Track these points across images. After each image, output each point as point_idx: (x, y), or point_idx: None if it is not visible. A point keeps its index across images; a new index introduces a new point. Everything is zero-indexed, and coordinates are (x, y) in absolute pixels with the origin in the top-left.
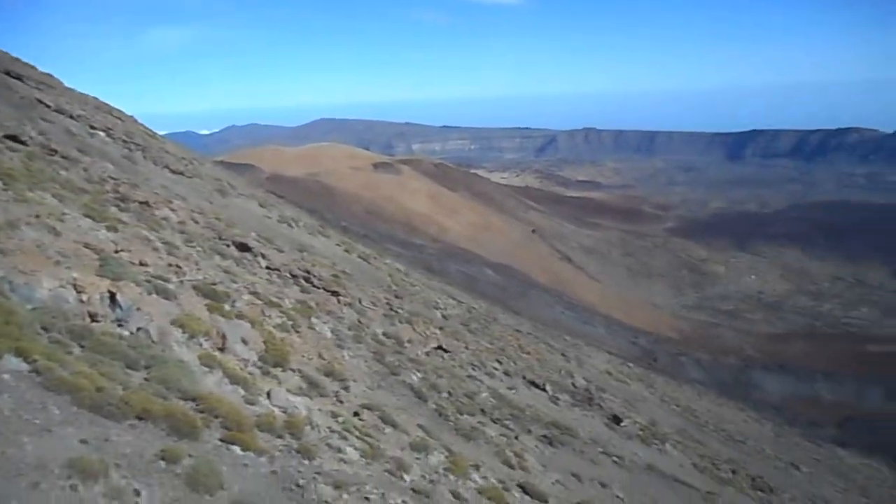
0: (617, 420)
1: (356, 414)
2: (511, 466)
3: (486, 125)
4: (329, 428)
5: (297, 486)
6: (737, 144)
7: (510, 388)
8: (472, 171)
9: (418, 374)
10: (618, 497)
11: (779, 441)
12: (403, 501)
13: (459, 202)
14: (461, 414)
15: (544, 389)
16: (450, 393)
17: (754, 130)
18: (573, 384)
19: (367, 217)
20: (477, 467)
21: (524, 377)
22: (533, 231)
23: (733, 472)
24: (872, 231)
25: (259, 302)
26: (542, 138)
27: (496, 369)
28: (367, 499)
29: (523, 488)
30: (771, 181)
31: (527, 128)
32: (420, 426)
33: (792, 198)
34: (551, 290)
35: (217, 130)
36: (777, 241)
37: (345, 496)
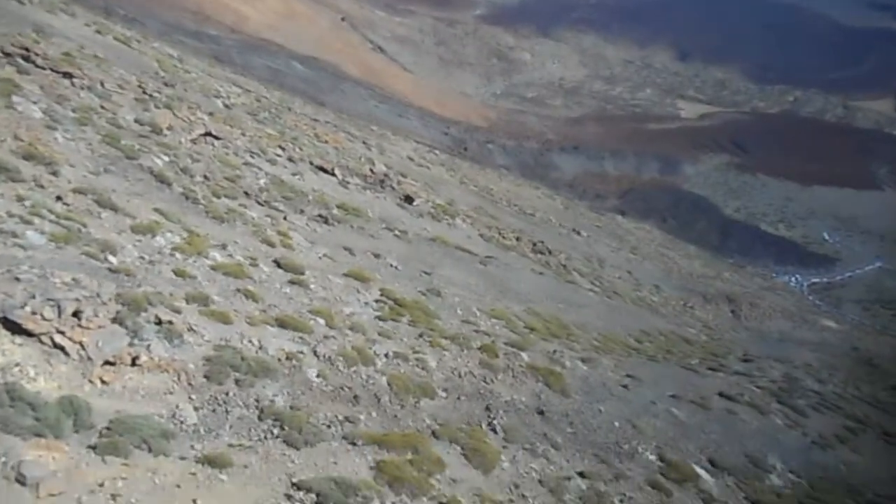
0: (409, 200)
1: (59, 198)
2: (271, 244)
3: None
4: (8, 212)
5: None
6: None
7: (294, 174)
8: None
9: (164, 159)
10: (391, 265)
11: (566, 212)
12: (98, 282)
13: None
14: (217, 197)
15: (333, 174)
16: (206, 177)
17: None
18: (371, 170)
19: (147, 3)
20: (224, 247)
21: (311, 163)
22: (342, 19)
23: (517, 238)
24: (662, 15)
25: None
26: None
27: (279, 156)
28: (17, 279)
29: (277, 263)
30: None
31: None
32: (157, 210)
33: None
34: (364, 83)
35: None
36: (578, 26)
37: None
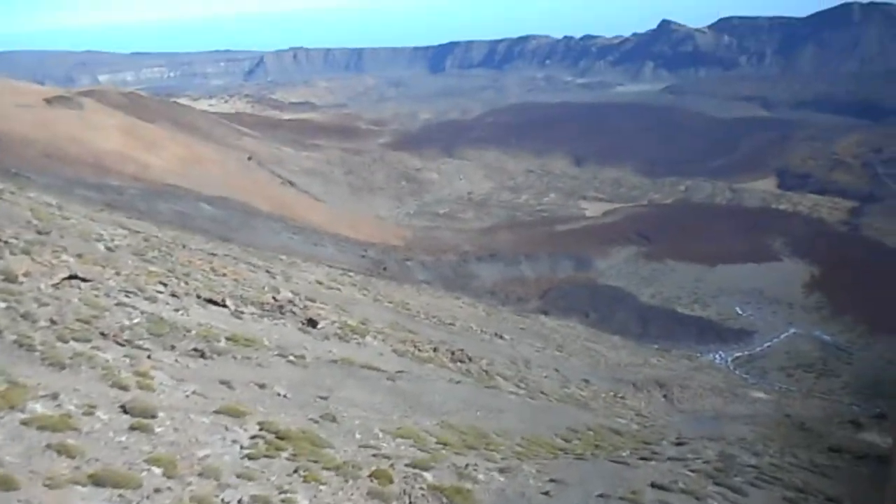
0: (313, 323)
1: None
2: (123, 388)
3: (185, 50)
4: None
5: None
6: (437, 57)
7: (177, 310)
8: (174, 100)
9: (1, 305)
10: (279, 394)
11: (489, 318)
12: None
13: (160, 135)
14: (64, 342)
15: (224, 305)
16: (53, 321)
17: (451, 42)
18: (274, 297)
19: (45, 162)
20: (55, 396)
21: (199, 296)
22: (249, 158)
23: (434, 349)
24: (553, 126)
25: None
26: (249, 61)
27: (160, 292)
28: None
29: (123, 408)
30: (469, 90)
31: (230, 50)
32: None
33: (487, 104)
34: (276, 217)
35: None
36: (479, 144)
37: None
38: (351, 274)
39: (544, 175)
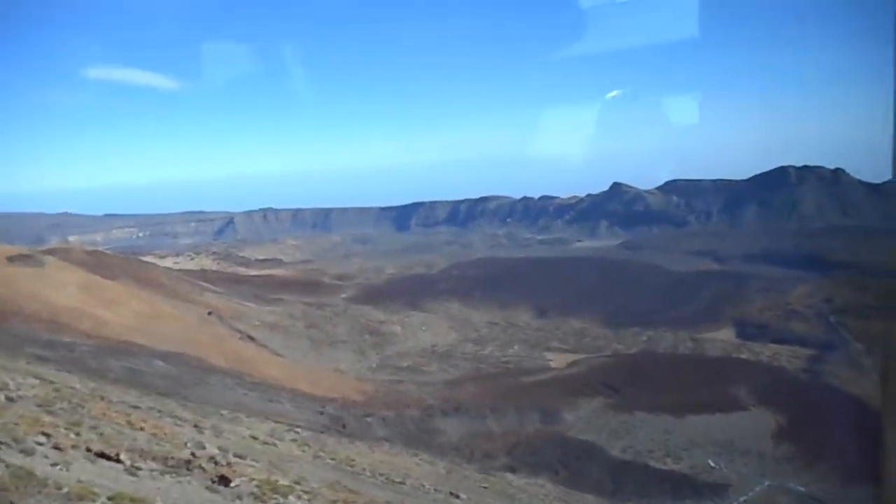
0: (225, 481)
1: None
2: None
3: (157, 211)
4: None
5: None
6: (402, 216)
7: (56, 464)
8: (139, 257)
9: None
10: None
11: (448, 476)
12: None
13: (121, 291)
14: None
15: (118, 460)
16: None
17: (416, 203)
18: (193, 453)
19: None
20: None
21: (89, 449)
22: (209, 314)
23: None
24: (516, 280)
25: None
26: (220, 221)
27: (40, 444)
28: None
29: None
30: (434, 246)
31: (202, 211)
32: None
33: (452, 259)
34: (232, 373)
35: None
36: (443, 297)
37: None
38: (298, 430)
39: (508, 327)
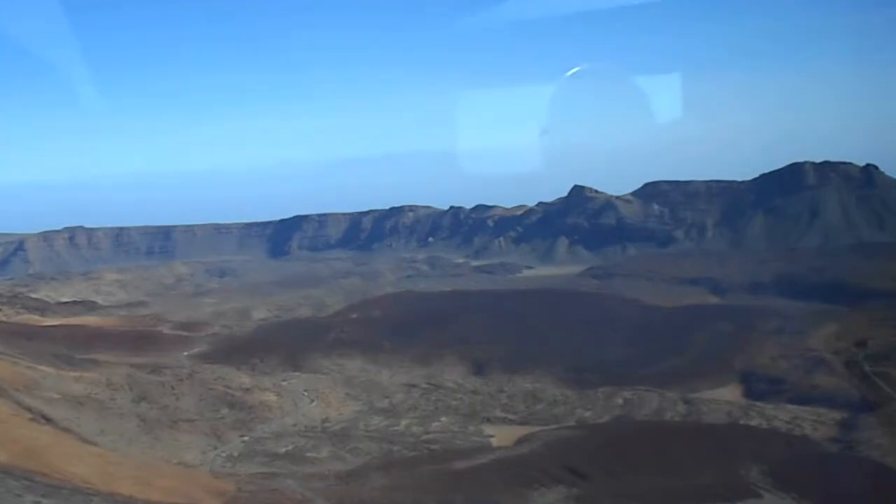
0: None
1: None
2: None
3: None
4: None
5: None
6: (279, 235)
7: None
8: None
9: None
10: None
11: None
12: None
13: None
14: None
15: None
16: None
17: (297, 216)
18: None
19: None
20: None
21: None
22: None
23: None
24: (442, 323)
25: None
26: (4, 246)
27: None
28: None
29: None
30: (323, 278)
31: None
32: None
33: (350, 295)
34: (16, 471)
35: None
36: (338, 350)
37: None
38: None
39: (432, 390)
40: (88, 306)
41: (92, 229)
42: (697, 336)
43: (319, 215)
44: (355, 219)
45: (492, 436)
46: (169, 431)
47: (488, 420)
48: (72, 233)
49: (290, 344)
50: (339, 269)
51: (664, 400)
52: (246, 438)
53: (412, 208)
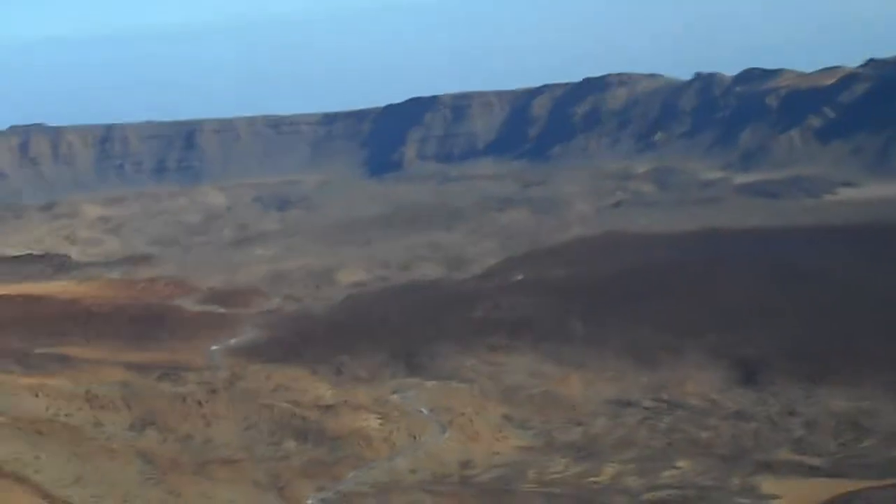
0: None
1: None
2: None
3: None
4: None
5: None
6: (384, 134)
7: None
8: None
9: None
10: None
11: None
12: None
13: None
14: None
15: None
16: None
17: (416, 100)
18: None
19: None
20: None
21: None
22: None
23: None
24: (679, 290)
25: None
26: None
27: None
28: None
29: None
30: (466, 209)
31: None
32: None
33: (512, 242)
34: None
35: None
36: (489, 339)
37: None
38: None
39: (663, 412)
40: (55, 264)
41: (59, 129)
42: None
43: (456, 96)
44: (520, 100)
45: (776, 496)
46: (193, 481)
47: (768, 467)
48: (24, 135)
49: (402, 329)
50: (492, 195)
51: None
52: (327, 496)
53: (625, 79)
